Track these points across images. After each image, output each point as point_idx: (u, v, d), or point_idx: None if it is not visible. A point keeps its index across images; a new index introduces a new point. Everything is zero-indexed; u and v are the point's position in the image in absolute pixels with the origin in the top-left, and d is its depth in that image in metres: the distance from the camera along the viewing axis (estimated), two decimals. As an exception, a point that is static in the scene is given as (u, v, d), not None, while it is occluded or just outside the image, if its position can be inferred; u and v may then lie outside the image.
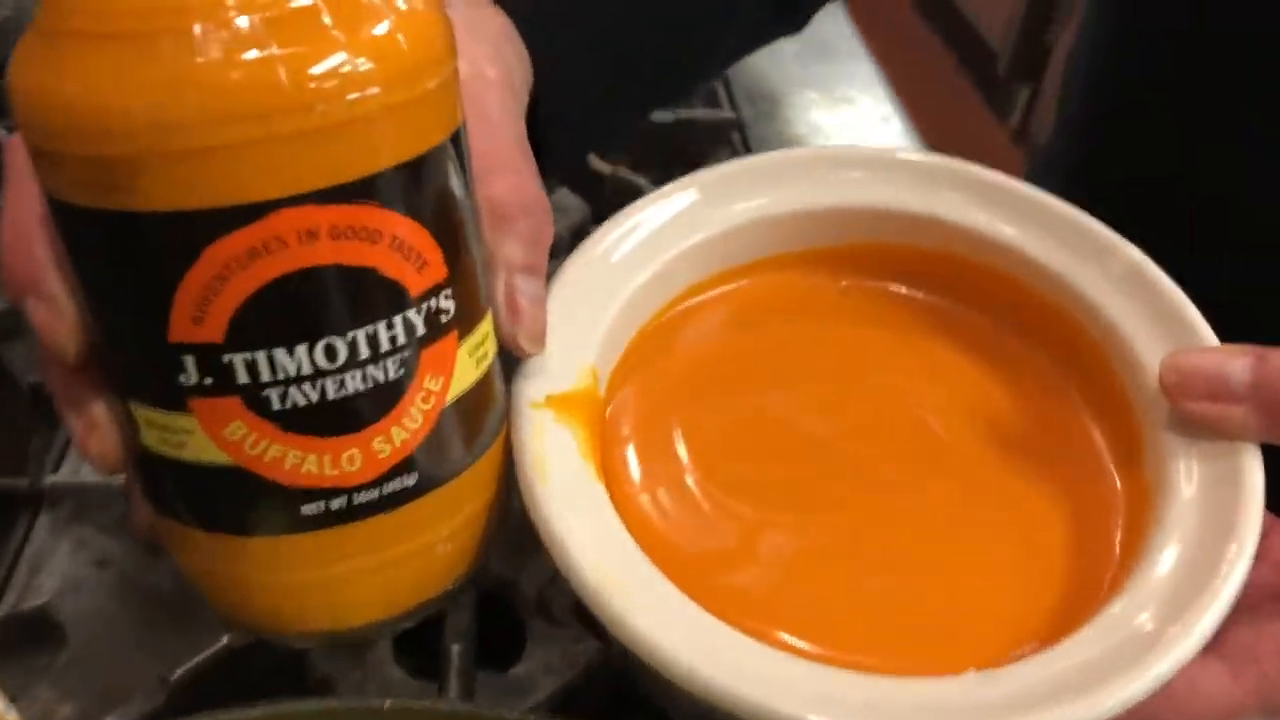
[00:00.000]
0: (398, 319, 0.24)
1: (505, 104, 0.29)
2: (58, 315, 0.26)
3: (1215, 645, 0.29)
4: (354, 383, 0.24)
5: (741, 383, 0.31)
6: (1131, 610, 0.24)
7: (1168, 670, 0.23)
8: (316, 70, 0.21)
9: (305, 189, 0.22)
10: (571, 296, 0.29)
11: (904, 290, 0.32)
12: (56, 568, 0.43)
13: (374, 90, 0.22)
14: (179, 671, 0.36)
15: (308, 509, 0.25)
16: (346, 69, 0.22)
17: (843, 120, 0.79)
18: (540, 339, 0.28)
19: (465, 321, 0.26)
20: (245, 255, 0.22)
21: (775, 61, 0.84)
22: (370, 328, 0.24)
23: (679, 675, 0.23)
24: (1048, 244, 0.30)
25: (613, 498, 0.27)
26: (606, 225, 0.30)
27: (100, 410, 0.27)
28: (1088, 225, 0.30)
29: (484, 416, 0.27)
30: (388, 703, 0.26)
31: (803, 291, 0.32)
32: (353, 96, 0.22)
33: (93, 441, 0.27)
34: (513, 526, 0.40)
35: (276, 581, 0.26)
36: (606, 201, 0.63)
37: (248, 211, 0.22)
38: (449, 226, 0.25)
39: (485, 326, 0.27)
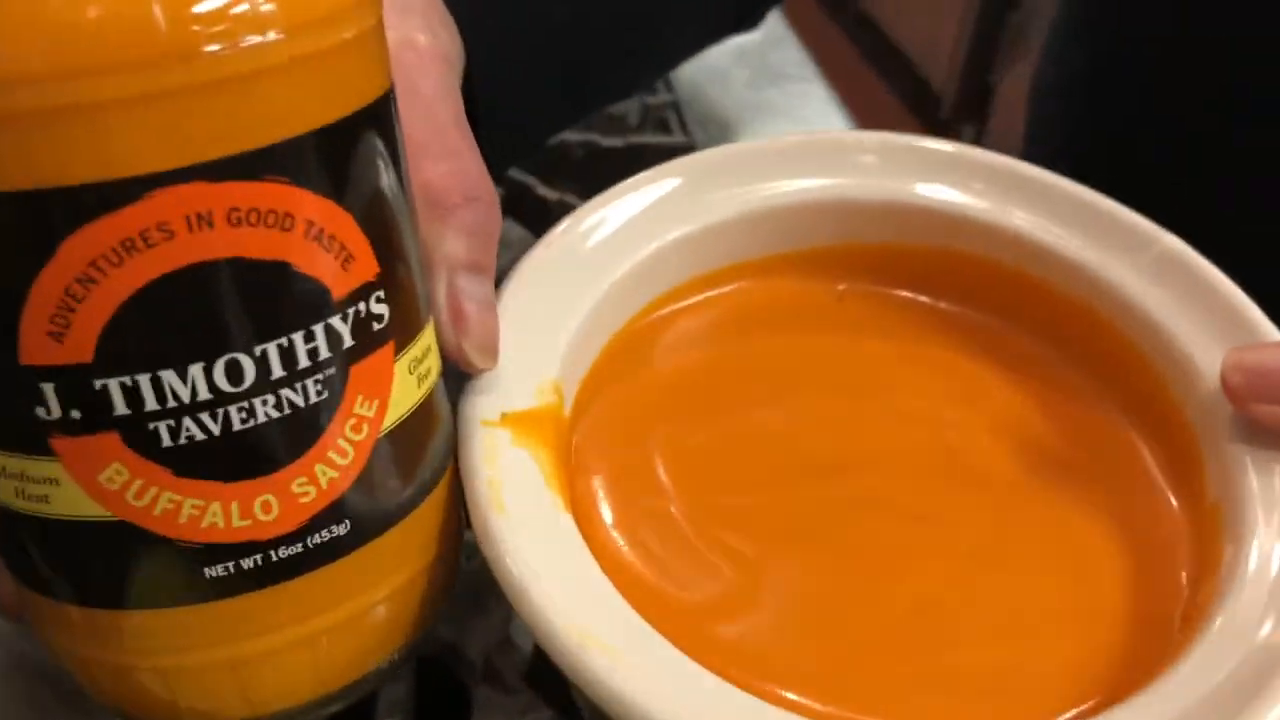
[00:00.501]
0: (318, 328, 0.20)
1: (440, 77, 0.25)
2: None
3: None
4: (265, 410, 0.19)
5: (730, 400, 0.26)
6: (1241, 621, 0.20)
7: None
8: (201, 9, 0.17)
9: (192, 161, 0.18)
10: (530, 299, 0.24)
11: (909, 295, 0.28)
12: None
13: (276, 35, 0.18)
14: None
15: (212, 571, 0.20)
16: (241, 8, 0.17)
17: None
18: (491, 350, 0.24)
19: (403, 331, 0.21)
20: (117, 249, 0.18)
21: (727, 88, 0.82)
22: (284, 339, 0.19)
23: None
24: (1071, 235, 0.27)
25: (583, 534, 0.22)
26: (573, 216, 0.26)
27: None
28: (1116, 212, 0.27)
29: (428, 447, 0.22)
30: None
31: (802, 296, 0.28)
32: (250, 41, 0.17)
33: None
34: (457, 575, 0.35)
35: (174, 665, 0.21)
36: (554, 228, 0.59)
37: (118, 191, 0.18)
38: (379, 213, 0.20)
39: (427, 338, 0.22)
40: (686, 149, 0.70)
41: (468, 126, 0.25)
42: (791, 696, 0.21)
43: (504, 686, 0.34)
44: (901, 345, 0.27)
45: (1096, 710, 0.21)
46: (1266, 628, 0.20)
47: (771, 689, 0.21)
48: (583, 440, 0.25)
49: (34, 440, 0.19)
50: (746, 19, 0.47)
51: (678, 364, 0.26)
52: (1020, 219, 0.27)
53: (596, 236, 0.25)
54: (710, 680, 0.20)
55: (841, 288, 0.28)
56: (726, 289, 0.27)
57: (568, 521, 0.22)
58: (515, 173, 0.63)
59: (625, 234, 0.25)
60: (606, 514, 0.24)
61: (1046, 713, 0.21)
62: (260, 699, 0.22)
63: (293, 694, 0.22)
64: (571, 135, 0.69)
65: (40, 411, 0.19)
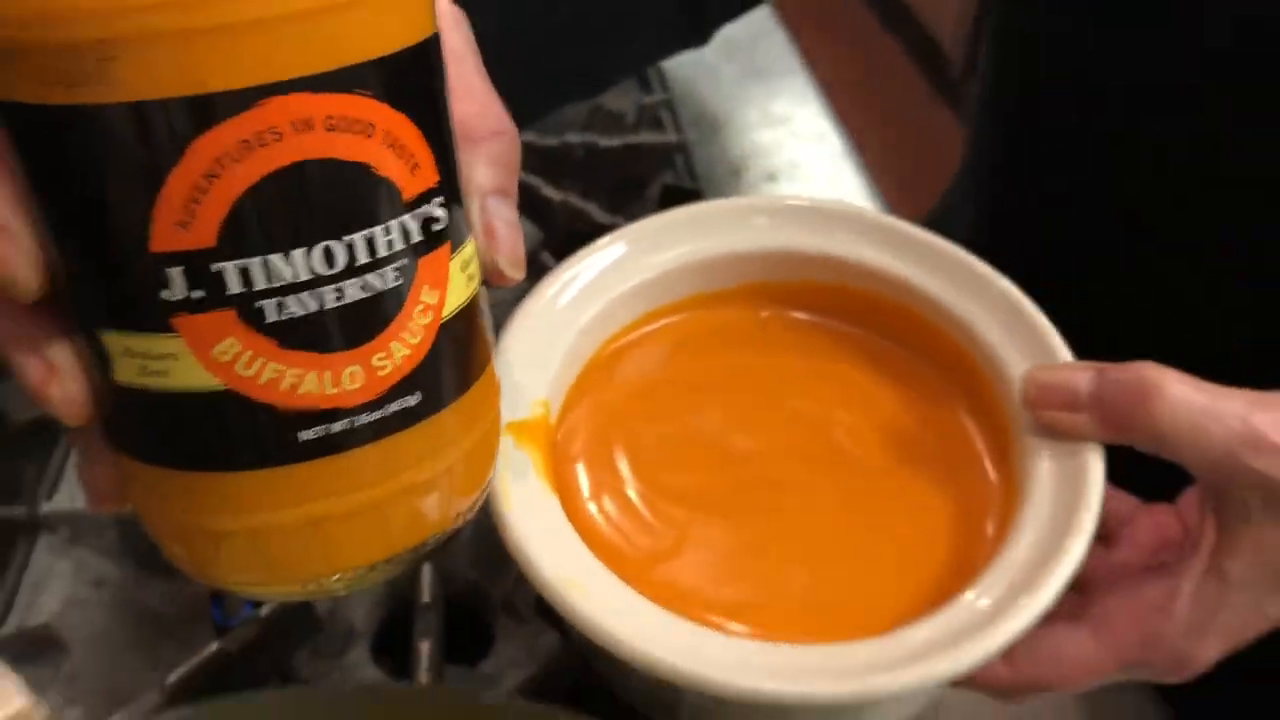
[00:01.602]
0: (394, 223, 0.23)
1: (464, 34, 0.28)
2: (11, 243, 0.22)
3: (1083, 616, 0.34)
4: (353, 291, 0.22)
5: (675, 405, 0.35)
6: (978, 595, 0.29)
7: (997, 646, 0.28)
8: None
9: (299, 74, 0.21)
10: (523, 341, 0.34)
11: (812, 318, 0.37)
12: (57, 588, 0.47)
13: None
14: (174, 676, 0.39)
15: (305, 435, 0.23)
16: None
17: (779, 139, 0.84)
18: (520, 264, 0.27)
19: (456, 235, 0.24)
20: (237, 148, 0.21)
21: (717, 85, 0.89)
22: (369, 230, 0.22)
23: (629, 657, 0.28)
24: (932, 276, 0.35)
25: (565, 508, 0.31)
26: (548, 277, 0.35)
27: (61, 351, 0.24)
28: (966, 260, 0.36)
29: (476, 338, 0.26)
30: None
31: (727, 323, 0.37)
32: None
33: (54, 387, 0.24)
34: (480, 536, 0.45)
35: (265, 524, 0.24)
36: (560, 228, 0.67)
37: (239, 99, 0.20)
38: (437, 130, 0.24)
39: (471, 246, 0.26)
40: (679, 147, 0.79)
41: (488, 79, 0.28)
42: (712, 618, 0.31)
43: (519, 617, 0.44)
44: (807, 358, 0.37)
45: (920, 616, 0.30)
46: (1039, 559, 0.30)
47: (699, 613, 0.31)
48: (565, 439, 0.34)
49: (158, 320, 0.22)
50: (694, 37, 0.52)
51: (636, 380, 0.36)
52: (885, 261, 0.36)
53: (569, 292, 0.35)
54: (654, 609, 0.29)
55: (764, 314, 0.37)
56: (669, 320, 0.37)
57: (554, 501, 0.31)
58: (521, 175, 0.71)
59: (589, 288, 0.35)
60: (582, 491, 0.33)
61: (884, 625, 0.30)
62: (338, 557, 0.24)
63: (365, 553, 0.25)
64: (573, 136, 0.76)
65: (165, 293, 0.21)
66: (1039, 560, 0.30)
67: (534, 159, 0.72)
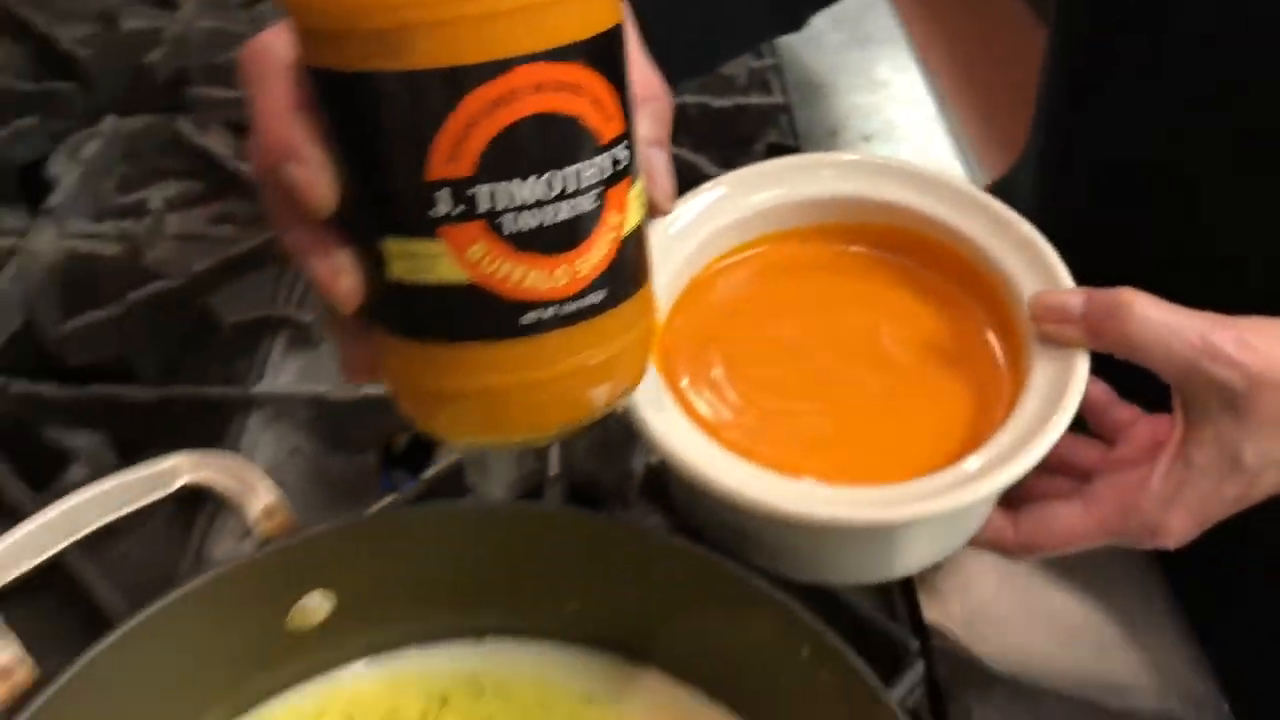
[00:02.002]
0: (595, 160, 0.30)
1: (630, 18, 0.36)
2: (317, 173, 0.30)
3: (1081, 492, 0.43)
4: (565, 211, 0.30)
5: (757, 317, 0.46)
6: (980, 458, 0.39)
7: (984, 493, 0.38)
8: None
9: (535, 50, 0.28)
10: (643, 259, 0.44)
11: (868, 251, 0.47)
12: (262, 455, 0.59)
13: None
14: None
15: (525, 318, 0.31)
16: None
17: (877, 102, 0.92)
18: (671, 198, 0.38)
19: (633, 172, 0.32)
20: (493, 103, 0.28)
21: (821, 52, 0.97)
22: (577, 166, 0.30)
23: (723, 496, 0.38)
24: (966, 218, 0.45)
25: (670, 390, 0.42)
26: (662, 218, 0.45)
27: (343, 256, 0.31)
28: (995, 206, 0.45)
29: (644, 255, 0.34)
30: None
31: (801, 255, 0.47)
32: None
33: (339, 283, 0.32)
34: (595, 433, 0.56)
35: (491, 386, 0.32)
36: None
37: (498, 67, 0.28)
38: (624, 90, 0.31)
39: (641, 183, 0.33)
40: (784, 108, 0.88)
41: (646, 52, 0.37)
42: (784, 470, 0.40)
43: (625, 502, 0.54)
44: (860, 283, 0.46)
45: (937, 471, 0.39)
46: (1029, 432, 0.39)
47: (772, 466, 0.40)
48: (671, 339, 0.45)
49: (428, 230, 0.30)
50: (789, 25, 0.61)
51: (726, 296, 0.46)
52: (928, 206, 0.45)
53: (676, 226, 0.45)
54: (739, 463, 0.39)
55: (830, 248, 0.47)
56: (755, 251, 0.47)
57: (661, 382, 0.42)
58: None
59: (693, 223, 0.45)
60: (683, 380, 0.44)
61: (912, 472, 0.39)
62: (540, 420, 0.33)
63: (553, 417, 0.33)
64: (689, 97, 0.85)
65: (434, 210, 0.29)
66: (1029, 433, 0.39)
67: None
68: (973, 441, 0.41)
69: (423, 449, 0.62)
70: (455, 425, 0.34)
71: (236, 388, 0.61)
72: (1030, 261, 0.43)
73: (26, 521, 0.38)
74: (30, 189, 0.77)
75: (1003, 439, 0.39)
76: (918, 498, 0.38)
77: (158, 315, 0.65)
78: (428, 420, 0.34)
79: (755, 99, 0.88)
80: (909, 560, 0.43)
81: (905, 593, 0.54)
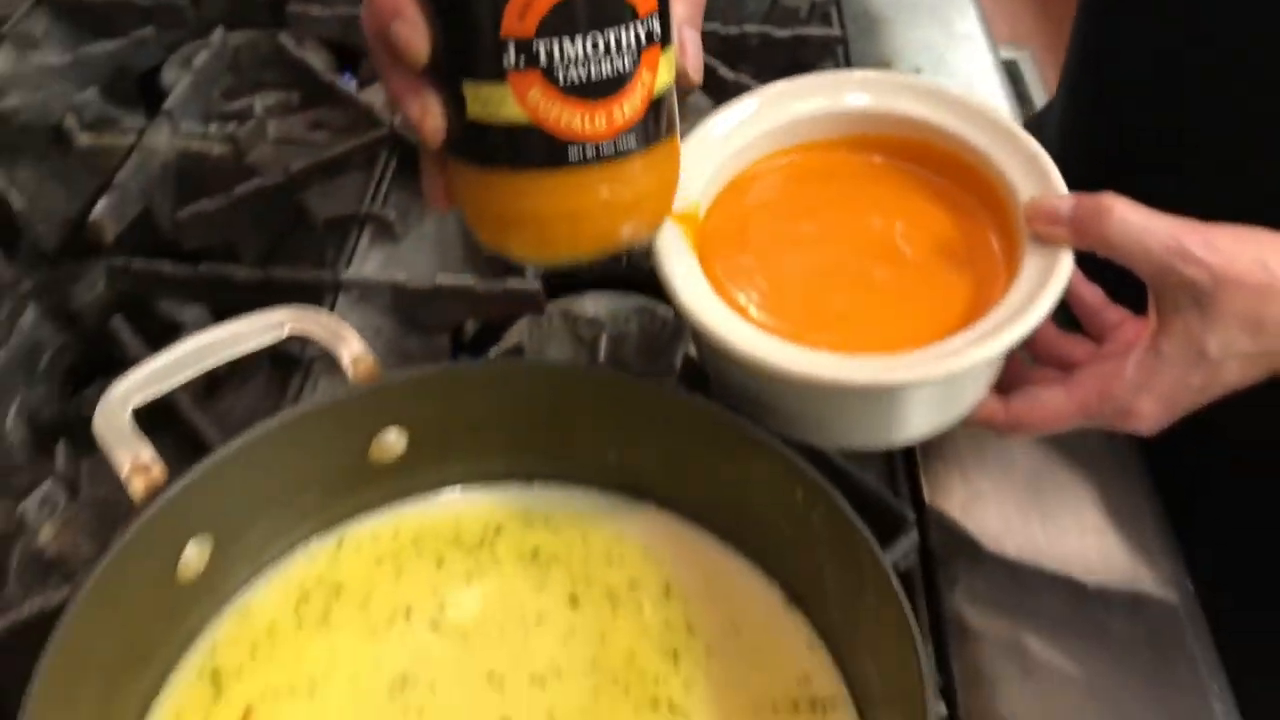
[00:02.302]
0: (633, 25, 0.38)
1: None
2: (416, 29, 0.38)
3: (1065, 377, 0.49)
4: (607, 67, 0.38)
5: (786, 215, 0.52)
6: (972, 332, 0.44)
7: (958, 367, 0.43)
8: None
9: None
10: (687, 160, 0.50)
11: (888, 160, 0.52)
12: None
13: None
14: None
15: (571, 154, 0.39)
16: None
17: (931, 37, 0.96)
18: (699, 71, 0.44)
19: (665, 42, 0.40)
20: None
21: (880, -13, 1.01)
22: (619, 29, 0.38)
23: (751, 362, 0.44)
24: (977, 132, 0.50)
25: (705, 272, 0.48)
26: (708, 117, 0.51)
27: (432, 98, 0.40)
28: (1004, 121, 0.50)
29: (671, 113, 0.42)
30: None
31: (829, 162, 0.53)
32: None
33: (428, 120, 0.40)
34: (642, 331, 0.62)
35: (543, 210, 0.41)
36: (730, 103, 0.82)
37: None
38: None
39: (673, 52, 0.42)
40: (841, 40, 0.92)
41: None
42: (805, 342, 0.46)
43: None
44: (879, 188, 0.52)
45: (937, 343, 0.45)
46: (1016, 312, 0.44)
47: (796, 339, 0.46)
48: (709, 229, 0.51)
49: (499, 77, 0.38)
50: None
51: (760, 196, 0.52)
52: (937, 117, 0.50)
53: (719, 130, 0.51)
54: (756, 331, 0.46)
55: (855, 157, 0.53)
56: (789, 159, 0.52)
57: (696, 264, 0.48)
58: (705, 57, 0.84)
59: (735, 129, 0.51)
60: (716, 264, 0.50)
61: (917, 344, 0.45)
62: (579, 241, 0.42)
63: (590, 244, 0.42)
64: (751, 27, 0.90)
65: (503, 61, 0.38)
66: (1014, 316, 0.45)
67: (716, 45, 0.87)
68: (967, 323, 0.46)
69: (489, 334, 0.69)
70: (514, 243, 0.43)
71: (327, 272, 0.68)
72: (1030, 171, 0.48)
73: (161, 353, 0.46)
74: (148, 94, 0.85)
75: (991, 320, 0.45)
76: (912, 365, 0.44)
77: (258, 208, 0.73)
78: (493, 238, 0.43)
79: (815, 30, 0.92)
80: (910, 428, 0.49)
81: (909, 474, 0.60)
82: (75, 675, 0.40)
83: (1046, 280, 0.45)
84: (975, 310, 0.47)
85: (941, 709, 0.50)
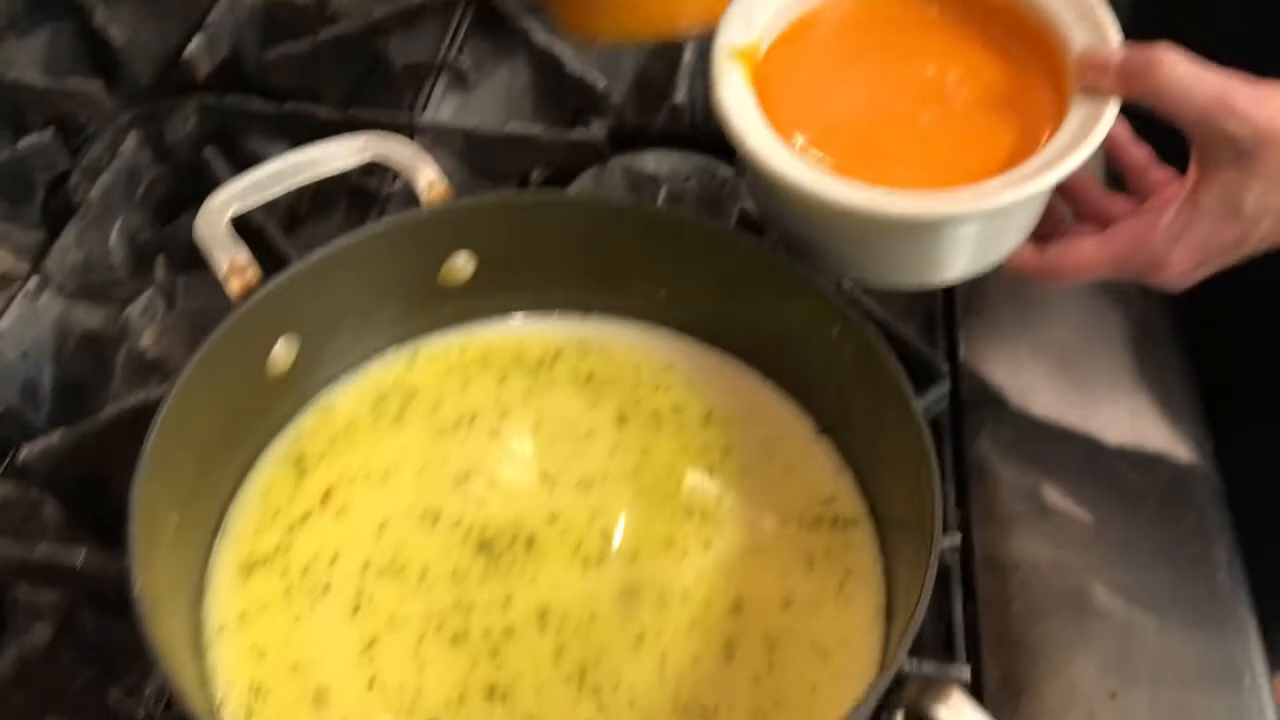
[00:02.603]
0: None
1: None
2: None
3: (1100, 229, 0.51)
4: None
5: (843, 57, 0.53)
6: (1017, 171, 0.47)
7: (993, 204, 0.46)
8: None
9: None
10: (746, 6, 0.52)
11: (946, 10, 0.53)
12: None
13: None
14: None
15: None
16: None
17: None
18: None
19: None
20: None
21: None
22: None
23: (802, 192, 0.46)
24: None
25: (761, 108, 0.50)
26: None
27: None
28: None
29: None
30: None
31: (888, 11, 0.54)
32: None
33: None
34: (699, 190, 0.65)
35: None
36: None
37: None
38: None
39: None
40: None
41: None
42: (854, 176, 0.48)
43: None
44: (934, 37, 0.53)
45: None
46: (1058, 156, 0.46)
47: (845, 174, 0.48)
48: (769, 67, 0.52)
49: None
50: None
51: (821, 38, 0.54)
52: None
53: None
54: (806, 165, 0.48)
55: (912, 7, 0.54)
56: (850, 7, 0.54)
57: (752, 96, 0.50)
58: None
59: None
60: (772, 101, 0.51)
61: (972, 178, 0.47)
62: (640, 25, 0.51)
63: (651, 27, 0.49)
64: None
65: None
66: (1054, 160, 0.47)
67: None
68: (1011, 168, 0.48)
69: (554, 185, 0.73)
70: (577, 21, 0.50)
71: (403, 115, 0.72)
72: (1086, 22, 0.50)
73: (256, 168, 0.50)
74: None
75: (1033, 164, 0.47)
76: (954, 200, 0.46)
77: (340, 53, 0.76)
78: (568, 20, 0.52)
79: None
80: (949, 268, 0.51)
81: (946, 329, 0.63)
82: (176, 453, 0.45)
83: (1090, 128, 0.47)
84: (1019, 156, 0.49)
85: (955, 540, 0.54)
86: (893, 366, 0.47)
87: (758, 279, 0.51)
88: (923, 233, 0.49)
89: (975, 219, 0.48)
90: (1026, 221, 0.51)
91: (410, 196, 0.69)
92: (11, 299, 0.60)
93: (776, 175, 0.48)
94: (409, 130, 0.72)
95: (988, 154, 0.49)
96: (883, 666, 0.43)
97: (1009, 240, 0.51)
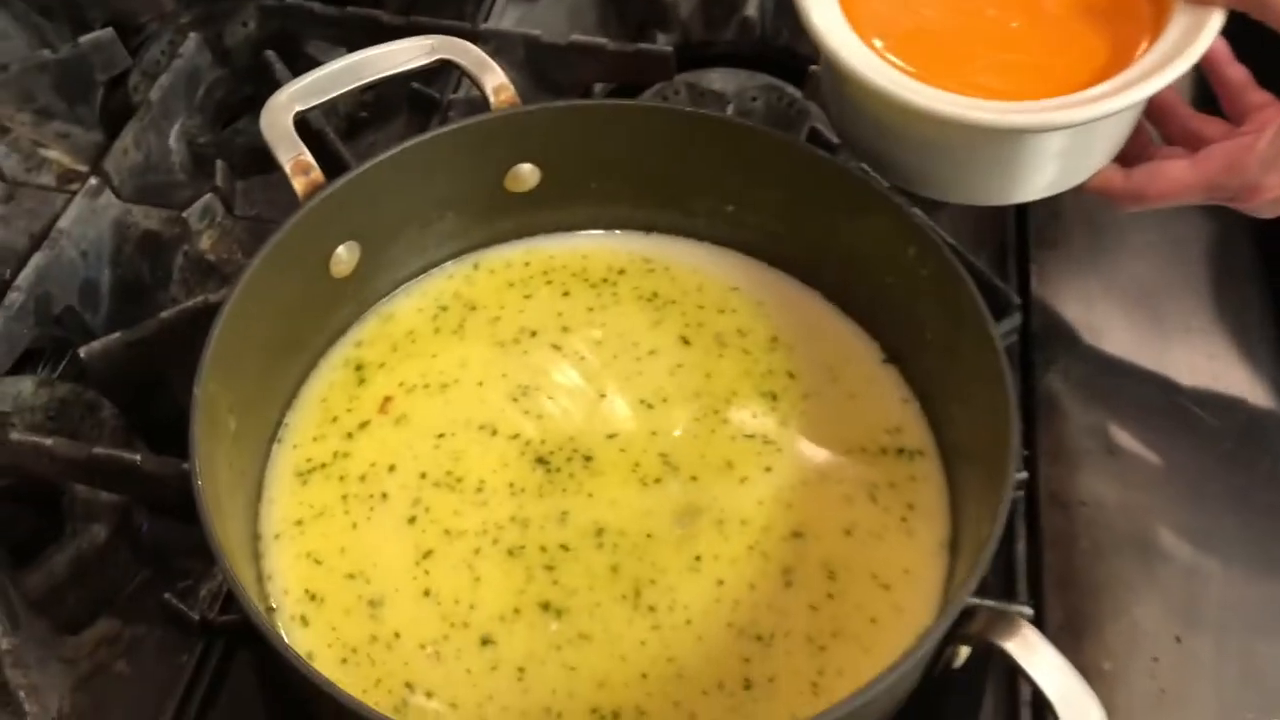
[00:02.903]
0: None
1: None
2: None
3: (1189, 153, 0.48)
4: None
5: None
6: (1092, 91, 0.45)
7: (1083, 116, 0.44)
8: None
9: None
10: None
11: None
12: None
13: None
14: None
15: None
16: None
17: None
18: None
19: None
20: None
21: None
22: None
23: (876, 91, 0.44)
24: None
25: (846, 13, 0.48)
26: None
27: None
28: None
29: None
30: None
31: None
32: None
33: None
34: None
35: None
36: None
37: None
38: None
39: None
40: None
41: None
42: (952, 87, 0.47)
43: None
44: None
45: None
46: (1157, 67, 0.44)
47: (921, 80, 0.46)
48: None
49: None
50: None
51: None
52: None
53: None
54: (888, 67, 0.46)
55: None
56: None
57: (840, 6, 0.47)
58: None
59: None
60: (856, 6, 0.49)
61: (1060, 89, 0.45)
62: None
63: None
64: None
65: None
66: (1156, 67, 0.44)
67: None
68: (1101, 80, 0.45)
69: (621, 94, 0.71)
70: None
71: (466, 23, 0.70)
72: None
73: (322, 66, 0.49)
74: None
75: (1126, 76, 0.45)
76: (1041, 109, 0.44)
77: (404, -42, 0.74)
78: None
79: None
80: (1030, 185, 0.49)
81: (1019, 261, 0.61)
82: (238, 353, 0.45)
83: (1193, 38, 0.44)
84: (1111, 69, 0.46)
85: (1021, 476, 0.52)
86: (972, 288, 0.45)
87: (831, 195, 0.49)
88: (1006, 143, 0.47)
89: (1064, 131, 0.45)
90: (1116, 138, 0.49)
91: (472, 106, 0.69)
92: (71, 198, 0.60)
93: (856, 76, 0.45)
94: (471, 37, 0.70)
95: (1079, 64, 0.47)
96: (948, 599, 0.42)
97: (1095, 158, 0.49)
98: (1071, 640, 0.49)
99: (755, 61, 0.71)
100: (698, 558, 0.46)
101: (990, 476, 0.41)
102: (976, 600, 0.45)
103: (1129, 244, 0.62)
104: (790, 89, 0.69)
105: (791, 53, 0.72)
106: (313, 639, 0.43)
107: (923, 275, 0.47)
